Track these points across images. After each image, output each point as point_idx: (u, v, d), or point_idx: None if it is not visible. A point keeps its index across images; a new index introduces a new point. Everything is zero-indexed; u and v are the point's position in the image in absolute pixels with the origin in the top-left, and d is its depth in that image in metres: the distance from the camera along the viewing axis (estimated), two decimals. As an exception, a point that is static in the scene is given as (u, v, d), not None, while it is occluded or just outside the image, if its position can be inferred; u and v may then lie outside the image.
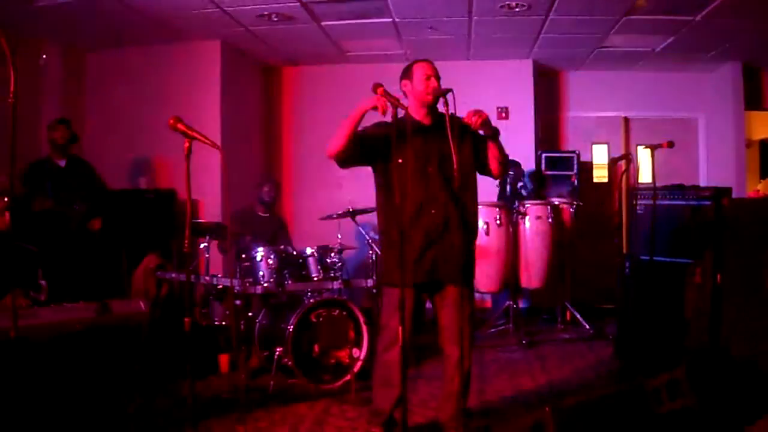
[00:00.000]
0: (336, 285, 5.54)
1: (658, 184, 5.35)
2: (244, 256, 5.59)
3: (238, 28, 7.19)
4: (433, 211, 3.74)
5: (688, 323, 5.13)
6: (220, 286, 5.59)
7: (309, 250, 5.60)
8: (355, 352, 5.20)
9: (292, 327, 5.00)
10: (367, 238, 5.91)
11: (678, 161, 8.80)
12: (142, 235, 6.90)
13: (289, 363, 4.97)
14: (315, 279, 5.52)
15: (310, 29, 7.24)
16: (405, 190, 3.55)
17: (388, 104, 3.31)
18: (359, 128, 3.67)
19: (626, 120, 9.26)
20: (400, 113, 3.29)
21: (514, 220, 6.80)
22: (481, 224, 6.60)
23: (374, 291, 5.71)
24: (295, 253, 5.62)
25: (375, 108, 3.42)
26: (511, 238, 6.74)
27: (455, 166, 3.39)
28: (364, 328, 5.23)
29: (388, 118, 3.36)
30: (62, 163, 6.09)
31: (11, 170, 2.86)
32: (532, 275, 6.79)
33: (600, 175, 9.12)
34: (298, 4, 6.39)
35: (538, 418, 3.35)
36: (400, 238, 3.29)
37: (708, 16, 6.57)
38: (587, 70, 9.04)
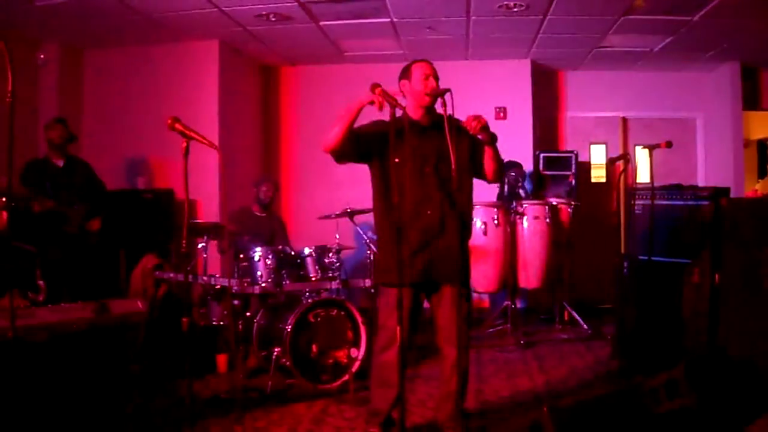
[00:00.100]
0: (334, 285, 5.54)
1: (656, 184, 5.36)
2: (242, 256, 5.59)
3: (236, 28, 7.19)
4: (429, 212, 3.75)
5: (686, 323, 5.13)
6: (218, 286, 5.58)
7: (307, 250, 5.60)
8: (353, 352, 5.20)
9: (290, 327, 4.99)
10: (365, 238, 5.91)
11: (676, 161, 8.81)
12: (140, 235, 6.91)
13: (287, 363, 4.97)
14: (313, 279, 5.52)
15: (308, 29, 7.25)
16: (403, 190, 3.55)
17: (385, 101, 3.32)
18: (357, 125, 3.68)
19: (624, 120, 9.26)
20: (398, 113, 3.29)
21: (512, 220, 6.80)
22: (478, 224, 6.62)
23: (372, 291, 5.71)
24: (293, 253, 5.62)
25: (372, 103, 3.42)
26: (509, 239, 6.75)
27: (453, 166, 3.39)
28: (362, 328, 5.23)
29: (386, 116, 3.36)
30: (61, 162, 6.07)
31: (9, 170, 2.84)
32: (530, 275, 6.80)
33: (598, 175, 9.13)
34: (296, 4, 6.39)
35: (536, 418, 3.35)
36: (397, 237, 3.30)
37: (706, 16, 6.58)
38: (585, 70, 9.05)
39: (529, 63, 8.70)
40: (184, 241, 3.50)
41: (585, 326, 6.96)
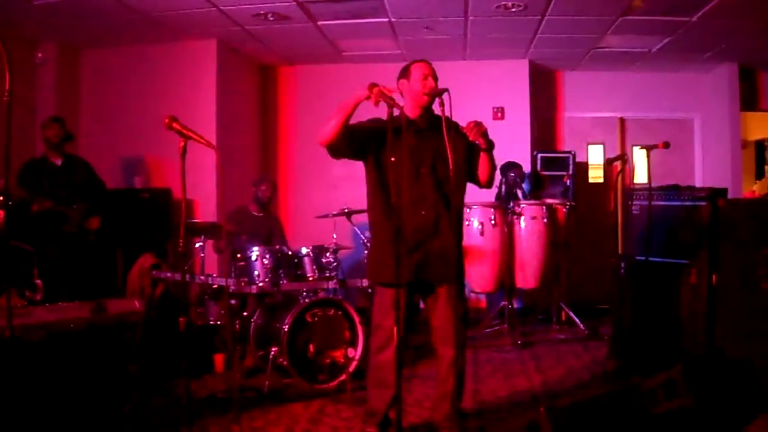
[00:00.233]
0: (331, 285, 5.54)
1: (653, 185, 5.36)
2: (239, 255, 5.58)
3: (234, 27, 7.19)
4: (423, 212, 3.76)
5: (683, 323, 5.14)
6: (216, 286, 5.58)
7: (304, 250, 5.60)
8: (351, 351, 5.20)
9: (287, 327, 4.99)
10: (363, 238, 5.91)
11: (674, 162, 8.82)
12: (137, 235, 6.90)
13: (285, 363, 4.97)
14: (310, 279, 5.52)
15: (307, 29, 7.24)
16: (400, 189, 3.55)
17: (383, 101, 3.32)
18: (355, 122, 3.68)
19: (622, 120, 9.26)
20: (395, 112, 3.29)
21: (509, 221, 6.80)
22: (476, 224, 6.61)
23: (369, 291, 5.71)
24: (290, 252, 5.61)
25: (368, 98, 3.42)
26: (506, 239, 6.75)
27: (451, 167, 3.39)
28: (360, 328, 5.23)
29: (383, 114, 3.36)
30: (59, 161, 6.06)
31: (6, 169, 2.84)
32: (527, 275, 6.80)
33: (596, 175, 9.14)
34: (294, 3, 6.38)
35: (533, 419, 3.35)
36: (394, 238, 3.30)
37: (704, 16, 6.58)
38: (583, 70, 9.05)
39: (527, 63, 8.69)
40: (181, 241, 3.50)
41: (582, 326, 6.97)
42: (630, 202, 5.75)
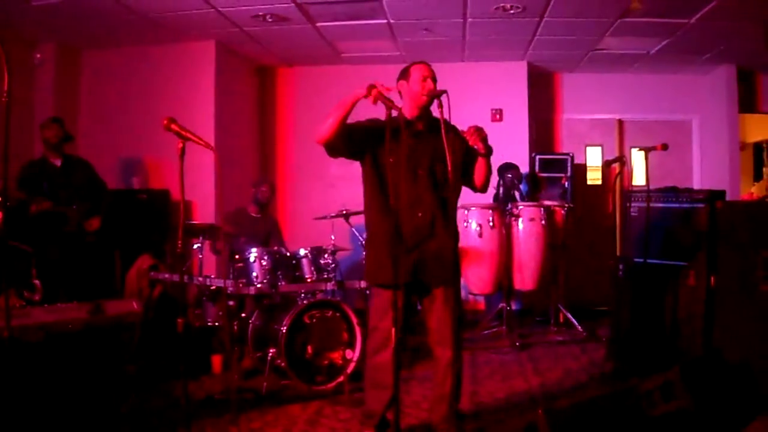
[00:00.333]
0: (329, 286, 5.53)
1: (651, 187, 5.36)
2: (237, 257, 5.58)
3: (233, 29, 7.19)
4: (420, 214, 3.76)
5: (681, 325, 5.14)
6: (214, 287, 5.58)
7: (302, 252, 5.60)
8: (348, 353, 5.20)
9: (285, 328, 4.99)
10: (361, 239, 5.90)
11: (672, 164, 8.83)
12: (135, 236, 6.89)
13: (282, 364, 4.96)
14: (308, 280, 5.52)
15: (305, 30, 7.24)
16: (398, 191, 3.55)
17: (381, 102, 3.32)
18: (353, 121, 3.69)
19: (620, 122, 9.27)
20: (394, 113, 3.29)
21: (507, 222, 6.80)
22: (474, 226, 6.61)
23: (367, 292, 5.71)
24: (288, 254, 5.61)
25: (366, 96, 3.42)
26: (504, 240, 6.74)
27: (449, 168, 3.39)
28: (358, 330, 5.22)
29: (381, 114, 3.36)
30: (58, 162, 6.05)
31: (5, 170, 2.84)
32: (525, 277, 6.79)
33: (594, 177, 9.14)
34: (292, 4, 6.38)
35: (531, 420, 3.35)
36: (392, 240, 3.30)
37: (703, 18, 6.59)
38: (582, 72, 9.06)
39: (526, 65, 8.70)
40: (179, 242, 3.50)
41: (580, 328, 6.97)
42: (628, 204, 5.75)
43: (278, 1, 6.32)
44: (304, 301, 5.21)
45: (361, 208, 4.00)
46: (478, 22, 6.98)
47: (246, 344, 5.49)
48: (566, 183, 7.97)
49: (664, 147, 5.17)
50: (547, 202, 7.15)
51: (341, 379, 5.03)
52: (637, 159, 8.75)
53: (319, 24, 7.06)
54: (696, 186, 8.74)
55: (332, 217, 6.11)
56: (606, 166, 8.95)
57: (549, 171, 8.21)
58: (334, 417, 4.50)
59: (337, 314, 5.26)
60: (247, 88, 8.74)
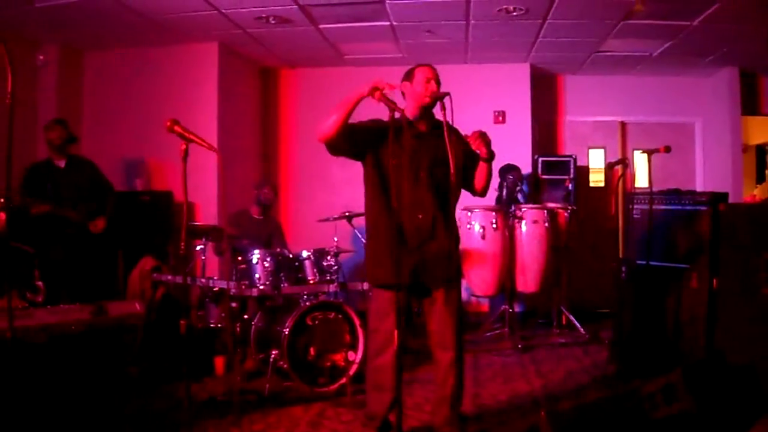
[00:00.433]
0: (332, 288, 5.52)
1: (654, 189, 5.36)
2: (240, 258, 5.58)
3: (236, 30, 7.19)
4: (420, 216, 3.75)
5: (683, 328, 5.14)
6: (216, 289, 5.58)
7: (305, 253, 5.60)
8: (351, 355, 5.19)
9: (287, 330, 4.99)
10: (364, 241, 5.90)
11: (675, 166, 8.82)
12: (138, 237, 6.90)
13: (285, 366, 4.96)
14: (311, 282, 5.52)
15: (308, 32, 7.25)
16: (401, 192, 3.56)
17: (384, 104, 3.31)
18: (356, 120, 3.68)
19: (623, 124, 9.26)
20: (397, 115, 3.29)
21: (510, 224, 6.79)
22: (477, 228, 6.61)
23: (370, 294, 5.70)
24: (291, 255, 5.61)
25: (369, 95, 3.41)
26: (507, 243, 6.74)
27: (452, 170, 3.38)
28: (360, 331, 5.22)
29: (384, 115, 3.36)
30: (62, 163, 6.05)
31: (8, 171, 2.84)
32: (528, 279, 6.79)
33: (597, 179, 9.14)
34: (295, 6, 6.39)
35: (534, 423, 3.35)
36: (393, 241, 3.30)
37: (705, 21, 6.58)
38: (584, 74, 9.05)
39: (528, 67, 8.69)
40: (182, 244, 3.50)
41: (582, 330, 6.96)
42: (631, 206, 5.75)
43: (281, 3, 6.33)
44: (307, 303, 5.21)
45: (363, 209, 4.00)
46: (480, 24, 6.98)
47: (248, 346, 5.49)
48: (569, 185, 7.97)
49: (667, 149, 5.17)
50: (550, 205, 7.16)
51: (344, 380, 5.02)
52: (640, 161, 8.76)
53: (321, 26, 7.07)
54: (698, 188, 8.73)
55: (335, 219, 6.11)
56: (609, 168, 8.97)
57: (552, 173, 8.22)
58: (337, 419, 4.50)
59: (340, 316, 5.26)
60: (249, 89, 8.74)
